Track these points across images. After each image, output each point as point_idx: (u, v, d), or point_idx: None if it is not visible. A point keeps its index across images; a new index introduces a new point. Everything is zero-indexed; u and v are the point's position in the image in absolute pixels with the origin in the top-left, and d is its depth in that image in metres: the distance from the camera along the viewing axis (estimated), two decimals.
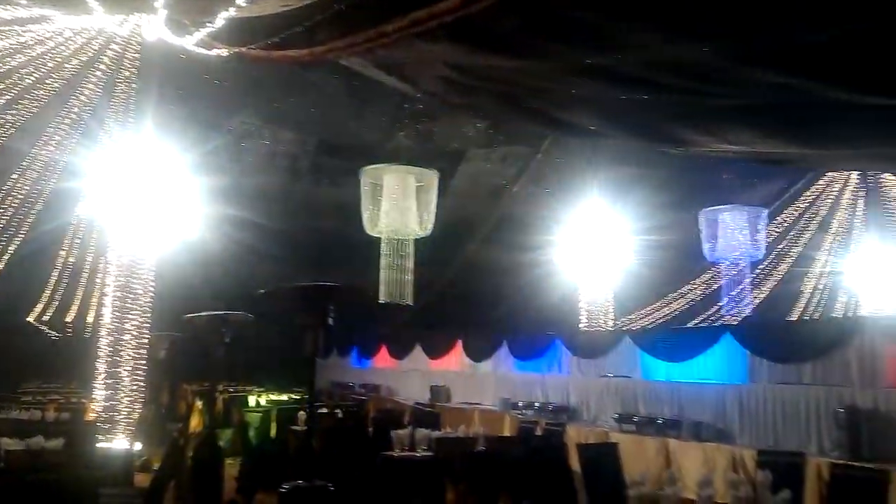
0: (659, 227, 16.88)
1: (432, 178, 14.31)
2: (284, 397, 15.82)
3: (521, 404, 12.52)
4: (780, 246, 18.96)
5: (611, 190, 16.26)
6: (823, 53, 4.45)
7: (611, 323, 15.03)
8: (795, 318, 16.83)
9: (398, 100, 14.18)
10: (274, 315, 7.67)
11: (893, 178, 17.82)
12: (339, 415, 11.83)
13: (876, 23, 3.88)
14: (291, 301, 4.91)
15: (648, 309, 18.58)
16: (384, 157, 14.89)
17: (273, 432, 11.67)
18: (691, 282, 18.85)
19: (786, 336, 9.40)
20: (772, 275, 19.06)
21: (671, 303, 18.79)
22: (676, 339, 11.03)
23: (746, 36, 4.47)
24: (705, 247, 16.73)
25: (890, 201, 18.29)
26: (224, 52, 9.01)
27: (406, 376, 18.07)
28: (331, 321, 4.81)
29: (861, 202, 18.33)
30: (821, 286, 18.64)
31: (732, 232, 16.49)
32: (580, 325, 14.66)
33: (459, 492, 5.67)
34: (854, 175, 18.48)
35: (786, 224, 18.95)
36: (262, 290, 4.96)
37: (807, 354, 8.66)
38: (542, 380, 13.02)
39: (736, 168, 17.41)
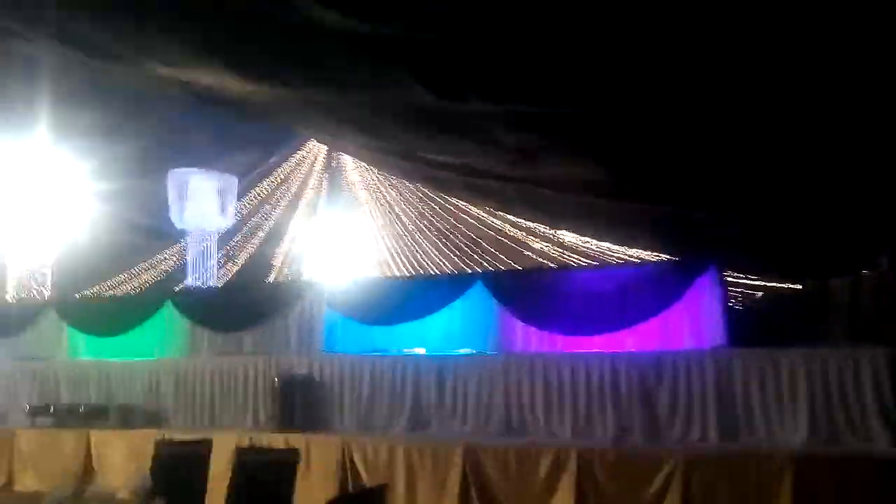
0: (124, 186, 14.78)
1: None
2: None
3: None
4: (255, 218, 19.03)
5: (66, 139, 13.51)
6: None
7: (46, 295, 12.39)
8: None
9: None
10: None
11: (352, 162, 19.63)
12: None
13: None
14: None
15: (112, 281, 16.21)
16: None
17: None
18: (167, 250, 17.17)
19: (228, 304, 8.70)
20: (245, 246, 18.93)
21: (141, 274, 16.79)
22: (113, 309, 9.35)
23: None
24: (173, 210, 15.35)
25: (348, 185, 20.15)
26: None
27: None
28: None
29: (325, 182, 19.75)
30: (288, 256, 19.25)
31: (202, 197, 15.49)
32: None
33: None
34: (321, 157, 19.78)
35: (260, 197, 19.13)
36: None
37: (248, 321, 8.10)
38: None
39: (210, 131, 16.55)
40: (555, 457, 6.24)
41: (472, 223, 18.03)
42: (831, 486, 5.50)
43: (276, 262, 19.35)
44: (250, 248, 19.25)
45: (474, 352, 7.34)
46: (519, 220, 16.48)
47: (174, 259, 17.24)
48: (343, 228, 18.94)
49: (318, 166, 19.91)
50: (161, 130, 15.49)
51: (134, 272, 16.48)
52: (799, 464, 5.56)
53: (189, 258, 15.72)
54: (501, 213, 16.53)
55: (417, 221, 18.96)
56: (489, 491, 6.40)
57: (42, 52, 9.07)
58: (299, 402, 7.39)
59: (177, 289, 12.85)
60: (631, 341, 6.86)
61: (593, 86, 5.36)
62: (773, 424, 6.17)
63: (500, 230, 17.41)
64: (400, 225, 19.45)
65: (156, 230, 15.90)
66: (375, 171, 19.45)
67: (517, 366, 6.97)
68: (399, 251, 18.70)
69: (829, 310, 7.56)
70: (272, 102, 7.57)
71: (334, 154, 19.79)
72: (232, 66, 6.04)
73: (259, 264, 18.51)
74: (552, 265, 13.96)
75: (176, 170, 15.34)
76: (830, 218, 8.27)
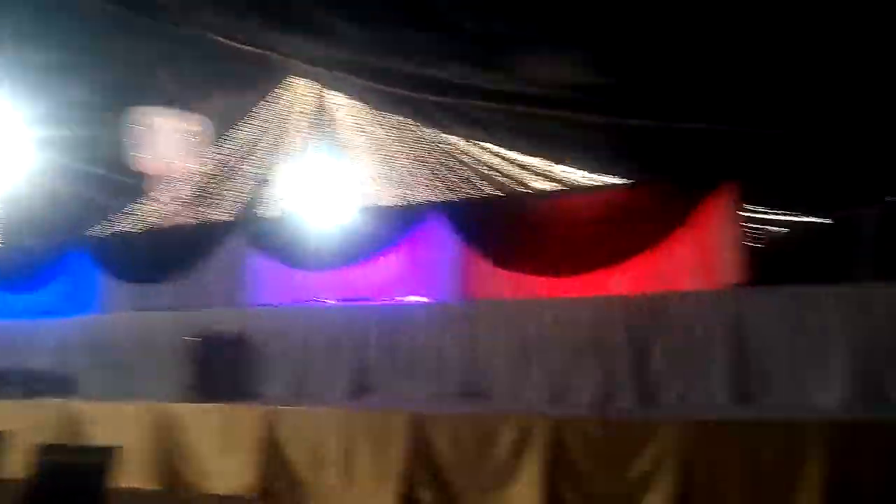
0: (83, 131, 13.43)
1: None
2: None
3: None
4: (232, 161, 17.67)
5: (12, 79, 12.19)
6: None
7: None
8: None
9: None
10: None
11: (345, 105, 18.14)
12: None
13: None
14: None
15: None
16: None
17: None
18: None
19: (143, 251, 7.39)
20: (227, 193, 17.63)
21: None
22: (21, 261, 8.10)
23: None
24: (136, 154, 14.03)
25: (338, 127, 18.68)
26: None
27: None
28: None
29: (313, 123, 18.31)
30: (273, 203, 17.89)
31: (168, 140, 14.18)
32: None
33: None
34: (309, 97, 18.31)
35: (237, 139, 17.77)
36: None
37: (166, 271, 6.82)
38: None
39: (180, 70, 15.13)
40: (520, 428, 4.93)
41: (470, 163, 16.64)
42: (875, 461, 4.13)
43: (261, 211, 18.06)
44: (234, 196, 18.01)
45: (430, 301, 5.98)
46: (518, 156, 15.06)
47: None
48: (332, 172, 17.63)
49: (306, 107, 18.50)
50: (124, 69, 14.12)
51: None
52: (833, 434, 4.19)
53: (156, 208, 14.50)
54: (500, 152, 15.10)
55: (411, 164, 17.58)
56: (439, 469, 5.12)
57: None
58: (222, 365, 6.14)
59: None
60: (621, 283, 5.45)
61: None
62: (801, 384, 4.78)
63: (499, 169, 15.98)
64: (393, 170, 18.09)
65: (118, 179, 14.63)
66: (368, 110, 18.05)
67: (481, 317, 5.62)
68: (391, 195, 17.33)
69: (853, 245, 6.12)
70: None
71: (323, 93, 18.36)
72: None
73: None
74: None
75: (138, 108, 14.05)
76: (857, 136, 6.82)
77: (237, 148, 17.10)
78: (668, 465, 4.55)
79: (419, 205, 6.51)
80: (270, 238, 6.48)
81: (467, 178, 15.71)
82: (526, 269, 5.65)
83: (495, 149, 15.15)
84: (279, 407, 5.77)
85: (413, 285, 6.07)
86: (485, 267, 5.84)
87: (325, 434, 5.52)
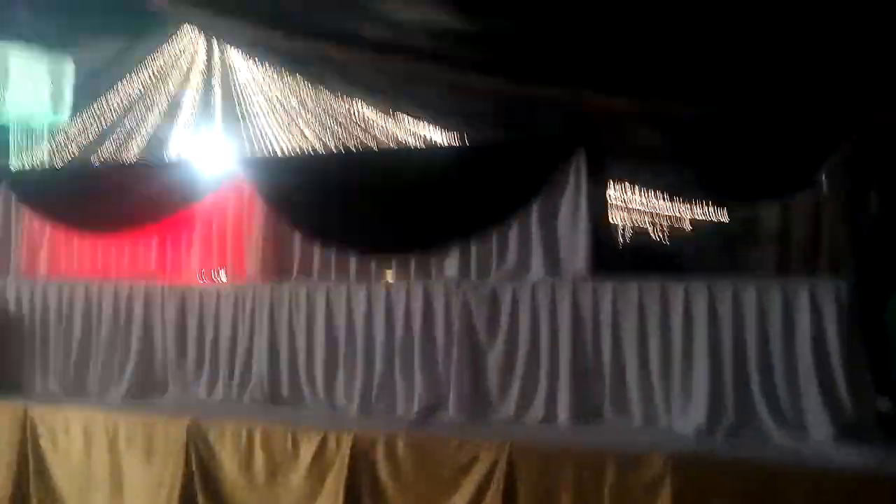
0: None
1: None
2: None
3: None
4: (131, 125, 16.03)
5: None
6: None
7: None
8: None
9: None
10: None
11: (242, 61, 16.64)
12: None
13: None
14: None
15: None
16: None
17: None
18: None
19: None
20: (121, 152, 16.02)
21: None
22: None
23: None
24: None
25: (238, 87, 17.17)
26: None
27: None
28: None
29: (208, 83, 16.76)
30: None
31: (28, 82, 12.50)
32: None
33: None
34: (202, 54, 16.72)
35: (131, 98, 16.11)
36: None
37: None
38: None
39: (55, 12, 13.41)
40: (319, 445, 3.96)
41: (381, 139, 15.54)
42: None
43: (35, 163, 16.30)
44: (127, 154, 16.38)
45: (233, 282, 4.89)
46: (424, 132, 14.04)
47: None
48: (232, 135, 16.15)
49: (200, 62, 16.88)
50: None
51: None
52: (680, 474, 3.37)
53: (14, 161, 12.86)
54: (408, 126, 14.04)
55: (319, 133, 16.32)
56: (225, 489, 4.13)
57: None
58: None
59: None
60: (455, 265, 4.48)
61: None
62: (656, 402, 3.95)
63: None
64: (299, 135, 16.78)
65: None
66: (270, 70, 16.63)
67: (293, 302, 4.59)
68: None
69: (755, 243, 5.39)
70: None
71: (218, 46, 16.78)
72: None
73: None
74: None
75: None
76: (762, 118, 6.12)
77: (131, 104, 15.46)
78: (491, 494, 3.69)
79: (222, 163, 5.34)
80: (43, 193, 5.25)
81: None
82: (343, 244, 4.61)
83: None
84: (41, 406, 4.66)
85: (215, 262, 4.96)
86: (297, 242, 4.78)
87: (92, 442, 4.46)
